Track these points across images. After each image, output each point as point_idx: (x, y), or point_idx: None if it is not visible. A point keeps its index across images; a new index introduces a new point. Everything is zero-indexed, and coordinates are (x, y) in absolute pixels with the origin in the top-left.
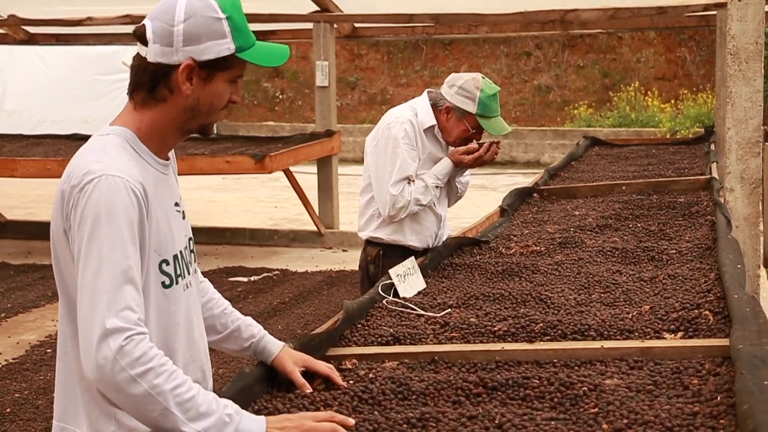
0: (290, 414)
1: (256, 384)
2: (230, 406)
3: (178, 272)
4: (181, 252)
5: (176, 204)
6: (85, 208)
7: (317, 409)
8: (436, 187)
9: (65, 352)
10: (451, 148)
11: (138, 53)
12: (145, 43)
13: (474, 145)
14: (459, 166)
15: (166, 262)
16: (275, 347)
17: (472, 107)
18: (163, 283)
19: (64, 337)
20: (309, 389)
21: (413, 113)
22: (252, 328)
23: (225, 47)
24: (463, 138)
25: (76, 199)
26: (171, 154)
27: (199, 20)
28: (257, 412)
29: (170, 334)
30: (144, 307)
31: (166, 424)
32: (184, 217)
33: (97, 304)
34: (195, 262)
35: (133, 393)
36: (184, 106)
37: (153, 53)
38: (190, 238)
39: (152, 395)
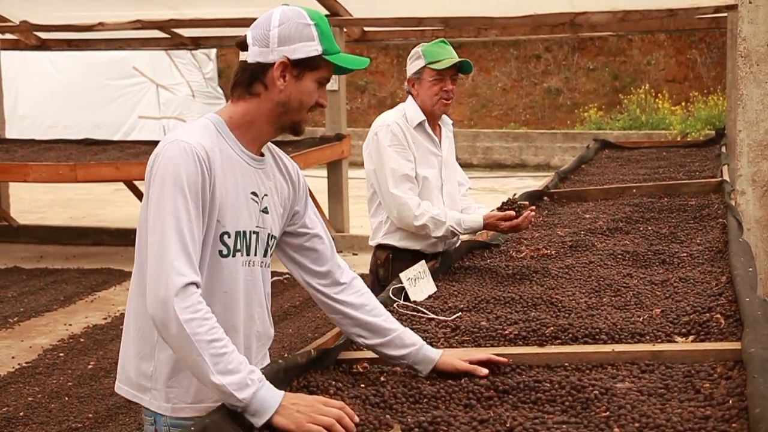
0: (306, 395)
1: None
2: (256, 372)
3: (238, 248)
4: (246, 233)
5: (254, 193)
6: (157, 170)
7: None
8: (452, 232)
9: (130, 299)
10: (446, 150)
11: (240, 61)
12: (245, 48)
13: (512, 212)
14: (491, 230)
15: (228, 234)
16: (436, 353)
17: (421, 62)
18: (220, 251)
19: (132, 286)
20: (484, 372)
21: (401, 115)
22: (413, 337)
23: (313, 48)
24: (434, 95)
25: (152, 163)
26: (292, 171)
27: (291, 25)
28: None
29: (222, 298)
30: (200, 266)
31: (197, 369)
32: (266, 212)
33: (167, 250)
34: (267, 256)
35: (177, 334)
36: (276, 101)
37: (252, 55)
38: (270, 234)
39: (192, 341)
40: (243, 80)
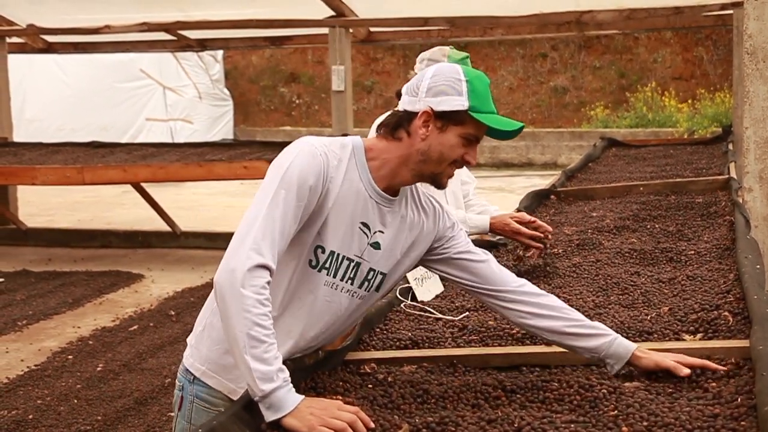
0: (323, 399)
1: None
2: (285, 372)
3: (327, 266)
4: (342, 257)
5: (365, 224)
6: (276, 161)
7: None
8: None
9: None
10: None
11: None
12: (400, 97)
13: (525, 215)
14: (495, 232)
15: (322, 249)
16: (630, 347)
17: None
18: (310, 261)
19: None
20: (686, 371)
21: None
22: (608, 331)
23: (459, 103)
24: None
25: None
26: (434, 211)
27: (442, 78)
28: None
29: (292, 302)
30: (287, 263)
31: (235, 344)
32: (376, 247)
33: (254, 229)
34: (368, 290)
35: (232, 305)
36: (417, 149)
37: (403, 103)
38: (372, 269)
39: (242, 315)
40: (390, 123)
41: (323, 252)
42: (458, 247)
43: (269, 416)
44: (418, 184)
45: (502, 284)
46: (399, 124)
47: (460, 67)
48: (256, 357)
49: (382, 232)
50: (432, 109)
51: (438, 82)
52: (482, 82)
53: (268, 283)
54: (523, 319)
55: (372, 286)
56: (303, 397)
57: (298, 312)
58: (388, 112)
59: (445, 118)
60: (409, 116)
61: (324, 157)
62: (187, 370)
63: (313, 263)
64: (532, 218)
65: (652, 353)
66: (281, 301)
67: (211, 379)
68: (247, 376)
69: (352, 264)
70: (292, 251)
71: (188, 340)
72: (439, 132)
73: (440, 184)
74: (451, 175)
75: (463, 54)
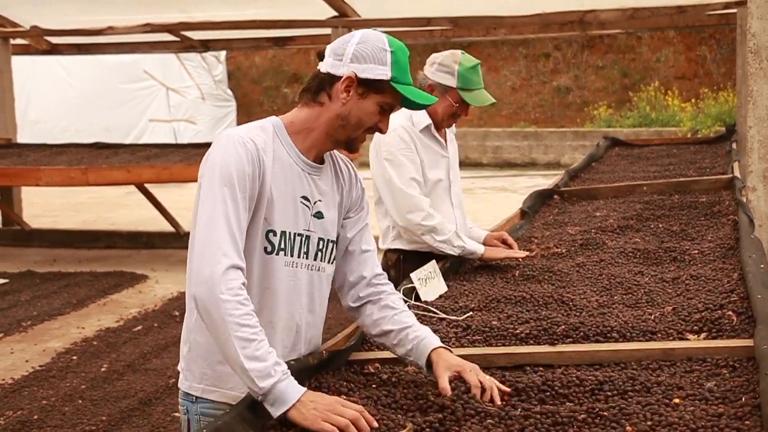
0: (327, 395)
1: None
2: (282, 365)
3: (282, 247)
4: (292, 234)
5: (305, 198)
6: (209, 159)
7: None
8: (458, 245)
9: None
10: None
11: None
12: (323, 58)
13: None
14: (487, 260)
15: (273, 232)
16: (428, 347)
17: (452, 81)
18: (264, 248)
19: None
20: (448, 392)
21: (407, 118)
22: (419, 332)
23: (382, 73)
24: (449, 114)
25: (206, 154)
26: (351, 177)
27: (368, 46)
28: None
29: (263, 294)
30: (245, 259)
31: (226, 350)
32: (319, 216)
33: (217, 236)
34: (323, 261)
35: (215, 313)
36: (337, 113)
37: (326, 65)
38: (321, 239)
39: (225, 321)
40: (311, 87)
41: (275, 235)
42: (359, 226)
43: (275, 412)
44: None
45: (366, 274)
46: (321, 87)
47: (386, 37)
48: (249, 356)
49: (321, 200)
50: (356, 75)
51: (364, 49)
52: (404, 53)
53: (244, 283)
54: (364, 317)
55: (326, 256)
56: (305, 389)
57: (272, 301)
58: (313, 77)
59: (367, 86)
60: (332, 79)
61: (252, 144)
62: (187, 393)
63: (269, 249)
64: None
65: (449, 357)
66: (254, 296)
67: (212, 393)
68: (245, 378)
69: (303, 238)
70: (247, 244)
71: (179, 367)
72: (359, 98)
73: (353, 149)
74: (363, 140)
75: (475, 60)
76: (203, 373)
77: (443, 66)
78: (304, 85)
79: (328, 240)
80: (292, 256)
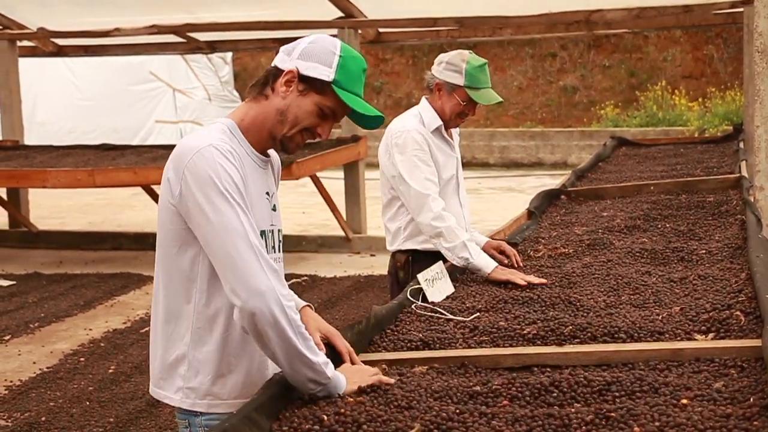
0: (350, 366)
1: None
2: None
3: (264, 246)
4: (266, 232)
5: (267, 193)
6: (195, 179)
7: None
8: (462, 257)
9: (156, 303)
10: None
11: None
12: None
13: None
14: (494, 277)
15: (257, 234)
16: (297, 305)
17: (460, 79)
18: None
19: (159, 290)
20: (323, 349)
21: (417, 120)
22: None
23: (325, 73)
24: (456, 113)
25: (184, 174)
26: (275, 159)
27: (318, 46)
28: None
29: None
30: None
31: (292, 352)
32: (274, 210)
33: (243, 251)
34: (280, 252)
35: (280, 320)
36: (276, 107)
37: (276, 59)
38: (279, 230)
39: (293, 325)
40: (260, 79)
41: (258, 237)
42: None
43: (336, 392)
44: None
45: None
46: (267, 80)
47: (340, 43)
48: (311, 349)
49: (274, 193)
50: (298, 70)
51: (313, 48)
52: (357, 64)
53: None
54: None
55: (282, 246)
56: (339, 371)
57: None
58: (264, 71)
59: (308, 83)
60: (277, 73)
61: (232, 152)
62: (189, 410)
63: None
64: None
65: (317, 318)
66: None
67: (217, 407)
68: (311, 372)
69: (272, 234)
70: None
71: (173, 383)
72: (298, 94)
73: (288, 149)
74: (300, 144)
75: (483, 60)
76: (208, 390)
77: (451, 65)
78: (255, 80)
79: (279, 230)
80: (271, 254)
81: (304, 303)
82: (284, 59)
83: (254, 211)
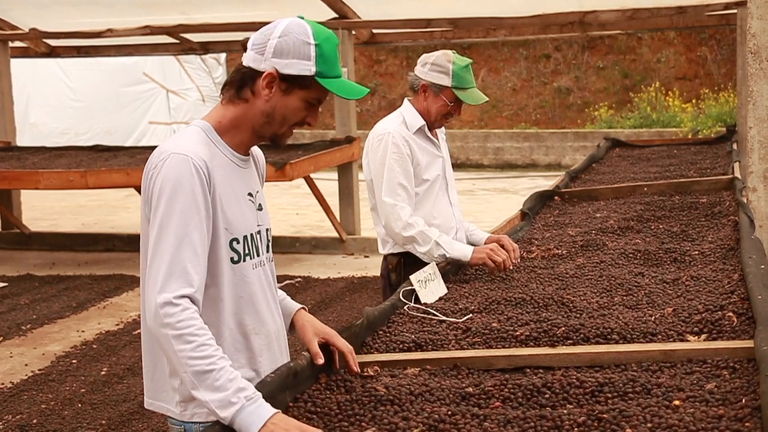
0: (291, 420)
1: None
2: (247, 390)
3: (247, 251)
4: (251, 235)
5: (250, 194)
6: (157, 183)
7: (344, 414)
8: (439, 255)
9: (145, 316)
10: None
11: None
12: (245, 50)
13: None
14: (476, 262)
15: (237, 240)
16: (292, 308)
17: (447, 80)
18: (231, 258)
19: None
20: (321, 360)
21: (399, 122)
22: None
23: (306, 68)
24: (443, 114)
25: (151, 177)
26: (259, 157)
27: (291, 39)
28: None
29: (238, 304)
30: (214, 275)
31: (186, 381)
32: (260, 209)
33: (160, 266)
34: (269, 251)
35: (167, 348)
36: (261, 110)
37: (247, 58)
38: (267, 229)
39: (178, 356)
40: (234, 81)
41: (238, 242)
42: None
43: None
44: None
45: None
46: (244, 82)
47: (311, 29)
48: (209, 388)
49: (258, 191)
50: (277, 71)
51: (286, 42)
52: (331, 44)
53: (196, 308)
54: None
55: (270, 245)
56: (272, 411)
57: (250, 309)
58: (236, 71)
59: (290, 81)
60: (254, 74)
61: (198, 160)
62: (189, 422)
63: (235, 258)
64: (511, 246)
65: (314, 322)
66: (232, 311)
67: (211, 415)
68: (210, 408)
69: (258, 235)
70: (213, 259)
71: (171, 396)
72: (282, 94)
73: (280, 144)
74: (290, 135)
75: (467, 60)
76: (198, 403)
77: (437, 66)
78: (227, 78)
79: (269, 229)
80: (258, 256)
81: (299, 305)
82: (257, 59)
83: (236, 214)
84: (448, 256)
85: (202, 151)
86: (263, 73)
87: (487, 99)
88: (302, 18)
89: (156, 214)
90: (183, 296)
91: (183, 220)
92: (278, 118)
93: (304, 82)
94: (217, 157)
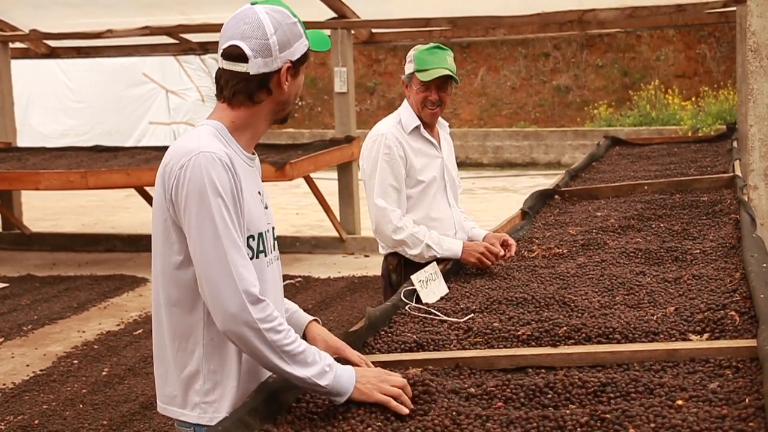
0: (371, 368)
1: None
2: (328, 358)
3: (261, 249)
4: (264, 233)
5: (259, 192)
6: (189, 184)
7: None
8: (430, 251)
9: (158, 315)
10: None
11: (228, 69)
12: (244, 60)
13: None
14: (466, 260)
15: (252, 237)
16: (304, 320)
17: (411, 67)
18: (249, 256)
19: (161, 303)
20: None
21: (396, 122)
22: (287, 304)
23: (304, 44)
24: (420, 102)
25: (178, 177)
26: (256, 157)
27: (285, 28)
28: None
29: None
30: None
31: (278, 370)
32: (266, 207)
33: (229, 263)
34: (276, 249)
35: (258, 344)
36: (278, 101)
37: (256, 66)
38: (273, 228)
39: (273, 348)
40: (246, 90)
41: (254, 239)
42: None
43: (340, 400)
44: None
45: None
46: (259, 87)
47: (285, 8)
48: (304, 365)
49: (262, 190)
50: (291, 61)
51: (284, 34)
52: (292, 10)
53: (267, 305)
54: None
55: (276, 243)
56: (353, 371)
57: None
58: (239, 78)
59: (298, 63)
60: (268, 76)
61: (224, 156)
62: (206, 425)
63: (251, 255)
64: (506, 243)
65: (325, 335)
66: None
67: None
68: (309, 384)
69: (270, 233)
70: None
71: (189, 400)
72: (293, 78)
73: (286, 120)
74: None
75: (434, 45)
76: (232, 402)
77: (407, 59)
78: (230, 88)
79: (274, 227)
80: (270, 254)
81: (310, 318)
82: (267, 62)
83: (251, 213)
84: (438, 255)
85: (220, 147)
86: (278, 70)
87: (446, 73)
88: (255, 2)
89: (195, 215)
90: (260, 294)
91: (228, 217)
92: (292, 99)
93: (305, 57)
94: (232, 156)
